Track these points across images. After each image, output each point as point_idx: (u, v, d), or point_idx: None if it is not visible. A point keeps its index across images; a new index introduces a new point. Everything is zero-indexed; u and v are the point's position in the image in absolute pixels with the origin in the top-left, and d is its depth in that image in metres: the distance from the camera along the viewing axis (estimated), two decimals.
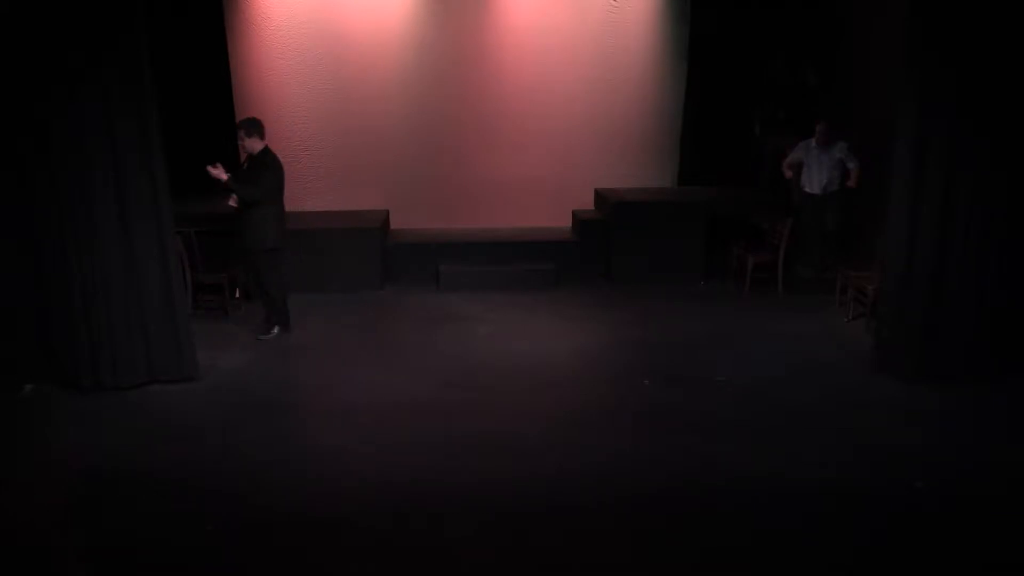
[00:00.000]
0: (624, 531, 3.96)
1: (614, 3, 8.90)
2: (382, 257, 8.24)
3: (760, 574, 3.66)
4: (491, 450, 4.73)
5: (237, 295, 7.55)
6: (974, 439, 4.86)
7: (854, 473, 4.45)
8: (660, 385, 5.70)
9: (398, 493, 4.28)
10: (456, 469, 4.51)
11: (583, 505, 4.17)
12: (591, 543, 3.87)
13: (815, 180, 7.69)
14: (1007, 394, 5.45)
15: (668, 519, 4.06)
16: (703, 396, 5.50)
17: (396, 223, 9.00)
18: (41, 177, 5.30)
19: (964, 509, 4.11)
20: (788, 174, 8.00)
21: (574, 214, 9.08)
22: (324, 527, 3.97)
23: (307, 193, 9.05)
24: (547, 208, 9.16)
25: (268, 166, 6.29)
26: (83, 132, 5.21)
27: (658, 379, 5.80)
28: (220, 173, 6.08)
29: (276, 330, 6.62)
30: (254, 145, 6.29)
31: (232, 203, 6.21)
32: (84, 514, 4.09)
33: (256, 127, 6.28)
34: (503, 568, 3.69)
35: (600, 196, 9.00)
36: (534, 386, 5.70)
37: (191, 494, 4.28)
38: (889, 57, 7.18)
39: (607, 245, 8.33)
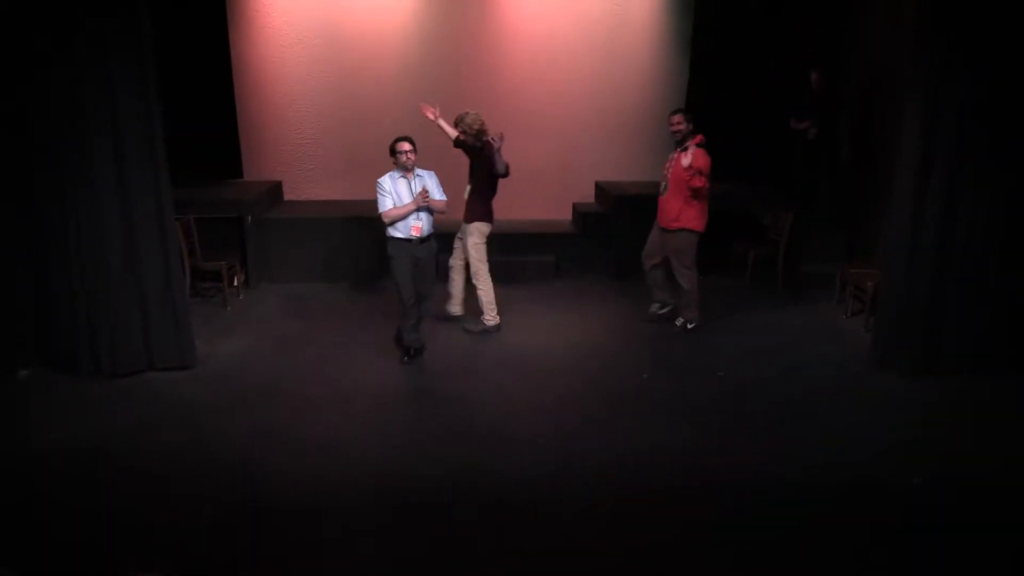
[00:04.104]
0: (621, 524, 3.96)
1: None
2: (383, 246, 8.19)
3: (758, 569, 3.65)
4: (489, 442, 4.73)
5: (236, 283, 7.53)
6: (974, 435, 4.86)
7: (854, 469, 4.45)
8: (658, 378, 5.69)
9: (394, 482, 4.28)
10: (452, 460, 4.50)
11: (580, 498, 4.17)
12: (588, 536, 3.86)
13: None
14: (1007, 390, 5.45)
15: (666, 513, 4.06)
16: (702, 390, 5.49)
17: None
18: (41, 162, 5.28)
19: (964, 504, 4.11)
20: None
21: (575, 207, 9.06)
22: (320, 515, 3.97)
23: (309, 182, 9.03)
24: (548, 200, 9.13)
25: None
26: (84, 117, 5.18)
27: (657, 372, 5.80)
28: None
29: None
30: None
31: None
32: (80, 500, 4.09)
33: None
34: (498, 559, 3.68)
35: (601, 189, 8.98)
36: (532, 378, 5.69)
37: (188, 481, 4.27)
38: (896, 50, 7.15)
39: (608, 239, 8.30)
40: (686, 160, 6.14)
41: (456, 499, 4.13)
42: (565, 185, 9.13)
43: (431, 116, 6.62)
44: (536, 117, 8.98)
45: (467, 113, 6.39)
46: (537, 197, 9.12)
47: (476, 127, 6.33)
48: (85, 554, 3.67)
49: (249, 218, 7.76)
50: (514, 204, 9.01)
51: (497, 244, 8.30)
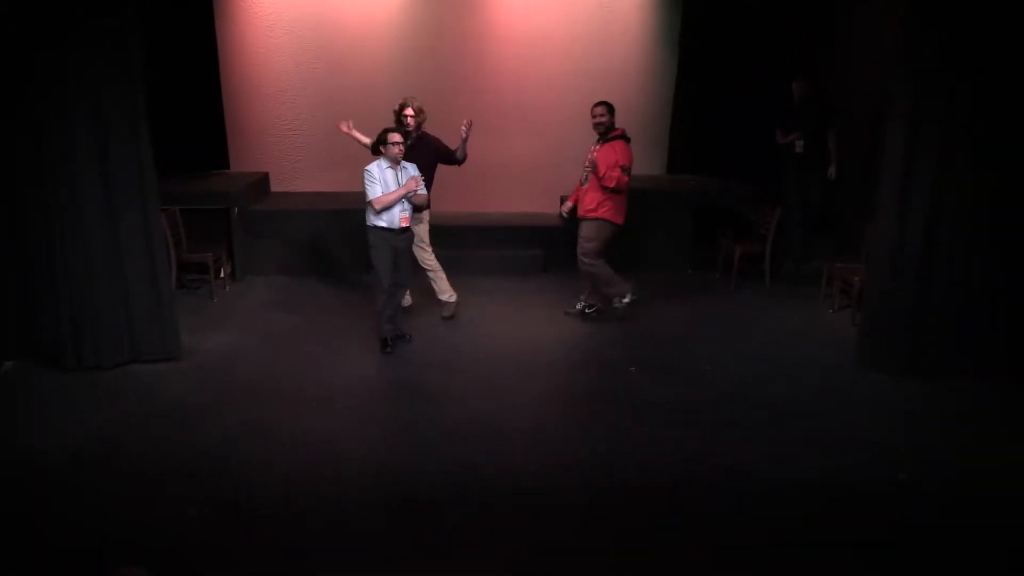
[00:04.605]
0: (609, 524, 3.96)
1: None
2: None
3: (746, 569, 3.66)
4: (479, 438, 4.71)
5: (222, 274, 7.48)
6: (960, 434, 4.88)
7: (840, 467, 4.45)
8: (645, 375, 5.70)
9: (385, 480, 4.27)
10: (443, 457, 4.49)
11: (567, 495, 4.17)
12: (577, 534, 3.87)
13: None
14: (992, 389, 5.45)
15: (653, 512, 4.06)
16: (688, 387, 5.50)
17: None
18: (25, 154, 5.22)
19: (955, 504, 4.13)
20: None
21: (562, 200, 9.04)
22: (306, 512, 3.95)
23: (295, 174, 8.98)
24: (535, 194, 9.12)
25: None
26: (68, 109, 5.12)
27: (643, 369, 5.80)
28: None
29: None
30: None
31: None
32: (63, 495, 4.05)
33: None
34: (490, 557, 3.68)
35: None
36: (519, 373, 5.70)
37: (175, 477, 4.24)
38: (881, 46, 7.17)
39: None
40: (601, 167, 6.24)
41: (448, 497, 4.11)
42: (552, 179, 9.11)
43: (345, 129, 6.70)
44: (524, 111, 8.96)
45: (413, 97, 6.42)
46: (525, 191, 9.11)
47: (424, 115, 6.44)
48: (70, 552, 3.63)
49: (236, 210, 7.72)
50: (502, 198, 9.04)
51: (484, 237, 8.34)
